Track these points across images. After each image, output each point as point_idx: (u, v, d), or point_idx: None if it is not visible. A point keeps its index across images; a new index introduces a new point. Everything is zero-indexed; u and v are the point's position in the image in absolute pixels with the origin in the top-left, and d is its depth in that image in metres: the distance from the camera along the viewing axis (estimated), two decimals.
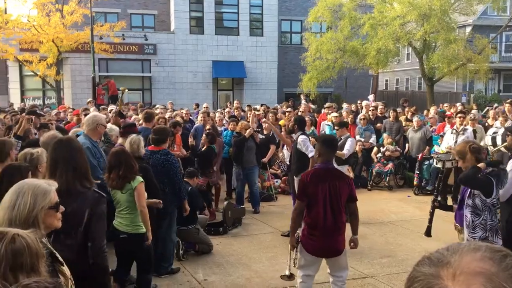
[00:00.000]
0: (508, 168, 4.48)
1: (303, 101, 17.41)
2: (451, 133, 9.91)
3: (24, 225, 2.35)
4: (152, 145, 5.97)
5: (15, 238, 1.85)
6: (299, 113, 12.80)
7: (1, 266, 1.80)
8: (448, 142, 9.80)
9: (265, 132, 9.82)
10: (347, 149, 8.25)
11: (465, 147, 4.40)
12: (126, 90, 8.18)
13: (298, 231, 4.64)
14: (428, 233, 5.00)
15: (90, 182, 3.43)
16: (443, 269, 0.82)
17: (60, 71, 22.36)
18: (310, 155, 6.94)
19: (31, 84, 25.32)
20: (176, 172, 5.97)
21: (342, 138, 8.72)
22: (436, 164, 9.94)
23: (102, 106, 14.11)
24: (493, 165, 4.36)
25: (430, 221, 4.95)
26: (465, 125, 9.90)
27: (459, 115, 10.24)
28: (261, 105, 16.67)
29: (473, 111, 11.82)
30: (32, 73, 22.40)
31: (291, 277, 4.87)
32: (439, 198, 5.01)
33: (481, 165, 4.32)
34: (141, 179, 4.75)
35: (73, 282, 2.60)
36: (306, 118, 11.80)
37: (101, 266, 3.28)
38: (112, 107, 13.39)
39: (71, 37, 21.01)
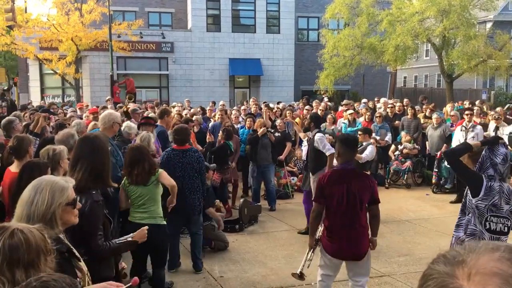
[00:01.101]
0: None
1: (325, 99, 17.31)
2: (461, 130, 9.78)
3: (42, 221, 2.38)
4: (176, 145, 5.97)
5: (14, 233, 1.85)
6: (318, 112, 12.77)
7: None
8: (458, 140, 9.67)
9: (280, 129, 9.79)
10: (366, 154, 8.17)
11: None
12: (132, 98, 8.44)
13: (319, 232, 4.57)
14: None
15: (105, 184, 3.44)
16: (459, 268, 0.80)
17: (79, 69, 22.67)
18: (327, 153, 6.86)
19: (50, 82, 25.73)
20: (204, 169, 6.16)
21: (364, 144, 8.64)
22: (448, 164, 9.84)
23: (119, 105, 14.24)
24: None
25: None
26: (474, 122, 9.78)
27: (466, 112, 10.10)
28: (278, 102, 16.65)
29: (497, 109, 11.58)
30: (52, 71, 22.74)
31: (301, 276, 4.77)
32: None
33: (474, 143, 4.05)
34: (160, 170, 4.91)
35: (90, 277, 2.63)
36: (328, 116, 11.77)
37: (106, 255, 3.30)
38: (130, 104, 13.52)
39: (90, 36, 21.26)
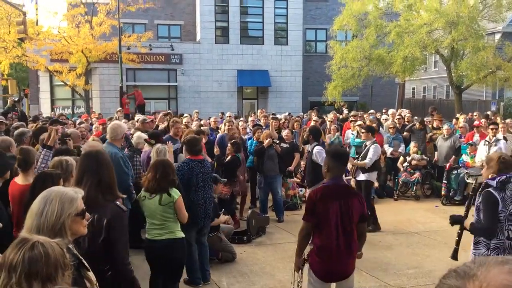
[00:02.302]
0: None
1: (345, 111, 17.27)
2: (484, 144, 9.71)
3: (51, 232, 2.40)
4: (191, 155, 5.90)
5: (35, 246, 1.87)
6: (328, 123, 12.77)
7: (17, 272, 1.83)
8: (481, 154, 9.57)
9: (287, 140, 9.78)
10: (369, 158, 8.14)
11: (495, 157, 4.10)
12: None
13: (304, 252, 4.31)
14: (454, 256, 4.51)
15: (114, 196, 3.47)
16: (470, 282, 0.81)
17: (89, 81, 22.91)
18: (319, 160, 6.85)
19: (61, 93, 26.00)
20: None
21: (368, 143, 8.63)
22: (467, 179, 9.75)
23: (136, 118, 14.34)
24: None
25: (458, 243, 4.46)
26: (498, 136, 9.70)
27: (491, 126, 10.03)
28: (289, 114, 16.66)
29: (507, 120, 11.51)
30: (62, 83, 23.01)
31: None
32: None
33: (484, 174, 4.05)
34: (179, 193, 4.72)
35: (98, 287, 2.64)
36: (332, 127, 11.78)
37: (128, 282, 3.30)
38: (139, 116, 13.61)
39: (100, 48, 21.51)
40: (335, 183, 4.14)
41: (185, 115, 14.64)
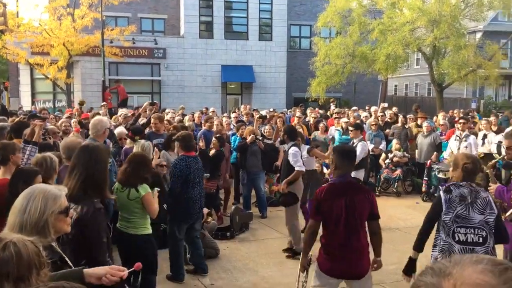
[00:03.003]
0: None
1: (332, 106, 17.34)
2: (454, 139, 9.88)
3: (34, 229, 2.39)
4: (186, 151, 5.95)
5: (7, 246, 1.84)
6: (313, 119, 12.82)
7: None
8: (452, 149, 9.79)
9: (268, 136, 9.76)
10: (356, 155, 8.21)
11: (460, 162, 3.98)
12: (84, 104, 8.44)
13: (310, 252, 4.28)
14: None
15: (101, 195, 3.42)
16: (445, 280, 0.84)
17: (70, 74, 22.61)
18: (296, 169, 6.76)
19: (42, 87, 25.60)
20: None
21: (355, 141, 8.71)
22: (438, 174, 9.97)
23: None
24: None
25: None
26: (468, 131, 9.88)
27: (460, 121, 10.20)
28: (273, 109, 16.68)
29: (491, 118, 11.71)
30: (43, 76, 22.66)
31: None
32: None
33: (451, 173, 4.12)
34: (148, 189, 4.72)
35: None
36: (320, 125, 11.84)
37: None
38: (122, 111, 13.48)
39: (82, 41, 21.23)
40: (342, 181, 4.06)
41: (167, 110, 14.54)
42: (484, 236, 3.81)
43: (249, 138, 8.98)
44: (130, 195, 4.69)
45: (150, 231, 4.83)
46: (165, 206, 6.45)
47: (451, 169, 4.15)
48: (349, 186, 4.07)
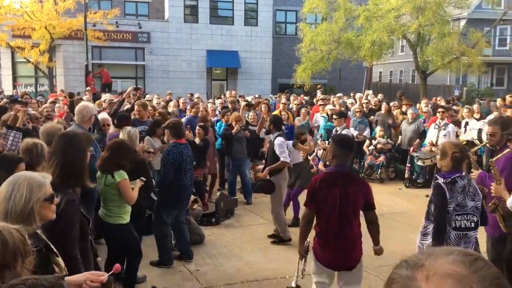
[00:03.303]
0: None
1: (318, 93, 17.35)
2: (434, 128, 10.02)
3: (20, 217, 2.38)
4: (175, 139, 5.94)
5: None
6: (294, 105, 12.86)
7: None
8: (431, 137, 9.93)
9: (252, 122, 9.72)
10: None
11: (449, 151, 4.03)
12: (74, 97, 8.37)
13: (308, 239, 4.30)
14: None
15: (78, 183, 3.37)
16: (418, 272, 0.88)
17: (52, 58, 22.22)
18: (281, 159, 6.79)
19: (23, 70, 25.15)
20: None
21: (339, 129, 8.82)
22: (417, 162, 10.15)
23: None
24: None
25: None
26: (449, 119, 10.02)
27: (439, 109, 10.34)
28: (258, 96, 16.67)
29: (474, 106, 11.88)
30: (25, 60, 22.24)
31: None
32: None
33: (438, 162, 4.17)
34: (124, 175, 4.70)
35: (67, 273, 2.63)
36: (302, 110, 11.87)
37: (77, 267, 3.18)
38: (106, 95, 13.34)
39: (64, 24, 20.85)
40: (338, 170, 4.04)
41: (148, 96, 14.37)
42: (475, 221, 3.98)
43: (235, 128, 8.96)
44: (106, 180, 4.71)
45: (126, 221, 4.83)
46: (153, 195, 6.48)
47: (438, 157, 4.20)
48: (345, 176, 4.04)
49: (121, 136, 5.94)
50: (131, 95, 9.47)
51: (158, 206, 5.96)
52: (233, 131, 8.93)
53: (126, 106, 8.90)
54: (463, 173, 4.04)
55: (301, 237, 4.24)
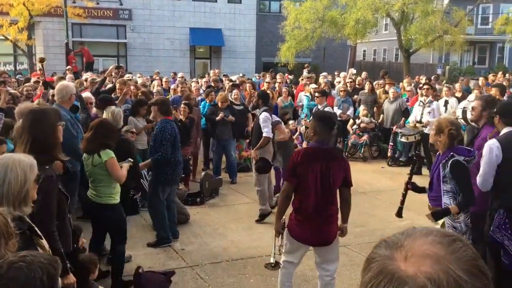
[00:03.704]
0: (484, 151, 4.16)
1: (305, 72, 17.28)
2: (418, 105, 10.11)
3: (17, 200, 2.38)
4: (164, 116, 5.91)
5: None
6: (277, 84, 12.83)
7: None
8: (415, 115, 10.04)
9: (235, 101, 9.69)
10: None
11: (445, 128, 4.08)
12: (45, 62, 8.09)
13: (284, 216, 4.25)
14: (399, 214, 4.75)
15: (52, 157, 3.32)
16: (397, 252, 0.90)
17: (32, 36, 21.68)
18: (264, 134, 6.84)
19: (1, 48, 24.46)
20: None
21: (320, 107, 8.88)
22: (401, 138, 10.29)
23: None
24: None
25: (402, 202, 4.71)
26: (432, 98, 10.11)
27: (424, 86, 10.42)
28: (242, 75, 16.57)
29: (456, 85, 11.99)
30: (3, 37, 21.64)
31: (276, 266, 4.41)
32: (412, 180, 4.63)
33: (432, 138, 4.29)
34: (111, 154, 4.66)
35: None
36: (283, 89, 11.85)
37: (55, 251, 3.19)
38: (88, 74, 13.12)
39: (43, 0, 20.28)
40: (319, 146, 4.03)
41: (128, 76, 14.13)
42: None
43: (219, 116, 8.92)
44: (93, 161, 4.67)
45: (116, 201, 4.81)
46: (143, 182, 6.51)
47: (432, 132, 4.23)
48: (326, 152, 4.03)
49: (104, 115, 5.88)
50: (113, 74, 9.33)
51: (156, 184, 5.94)
52: (217, 118, 8.91)
53: (108, 85, 8.79)
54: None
55: (278, 213, 4.22)
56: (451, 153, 4.06)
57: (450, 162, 4.04)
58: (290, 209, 4.25)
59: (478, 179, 4.18)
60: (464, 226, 4.12)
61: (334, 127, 4.44)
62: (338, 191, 4.11)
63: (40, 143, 3.28)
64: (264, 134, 6.85)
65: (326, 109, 8.61)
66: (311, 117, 4.42)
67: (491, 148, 4.09)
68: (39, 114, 3.45)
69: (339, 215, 4.21)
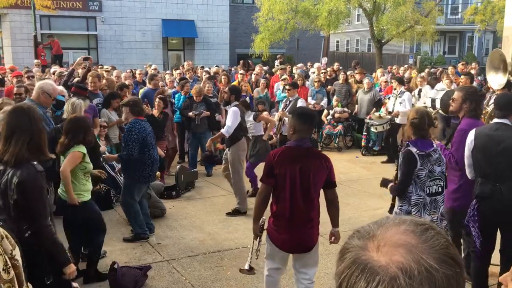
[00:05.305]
0: (468, 140, 4.20)
1: (276, 63, 17.24)
2: (392, 96, 10.35)
3: None
4: (135, 116, 5.84)
5: None
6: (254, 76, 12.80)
7: None
8: (388, 106, 10.30)
9: (208, 93, 9.63)
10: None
11: (410, 117, 4.12)
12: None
13: (263, 217, 4.02)
14: (391, 211, 4.66)
15: (44, 156, 3.29)
16: (370, 242, 0.90)
17: None
18: (222, 130, 6.93)
19: None
20: None
21: (291, 99, 8.92)
22: (371, 128, 10.50)
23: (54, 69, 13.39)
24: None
25: (394, 199, 4.54)
26: (405, 88, 10.35)
27: (393, 80, 10.68)
28: (216, 66, 16.43)
29: (422, 73, 12.25)
30: None
31: (251, 270, 4.17)
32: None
33: (406, 129, 4.25)
34: (82, 149, 4.60)
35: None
36: (261, 81, 11.82)
37: (50, 242, 3.17)
38: (56, 67, 12.83)
39: None
40: (299, 145, 3.72)
41: (100, 66, 13.87)
42: (442, 185, 4.13)
43: (190, 114, 8.89)
44: (64, 157, 4.64)
45: (86, 198, 4.74)
46: (118, 179, 6.43)
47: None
48: (306, 151, 3.73)
49: (65, 106, 5.75)
50: (81, 65, 9.11)
51: (131, 184, 5.87)
52: (190, 114, 8.88)
53: (76, 78, 8.58)
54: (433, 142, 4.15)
55: (255, 216, 3.94)
56: (407, 143, 4.11)
57: (403, 151, 4.11)
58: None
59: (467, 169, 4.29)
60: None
61: (314, 124, 4.26)
62: (322, 192, 3.86)
63: (36, 141, 3.25)
64: (221, 130, 6.92)
65: (299, 101, 8.65)
66: (290, 114, 4.25)
67: (467, 134, 4.20)
68: (34, 113, 3.38)
69: (327, 219, 4.02)
